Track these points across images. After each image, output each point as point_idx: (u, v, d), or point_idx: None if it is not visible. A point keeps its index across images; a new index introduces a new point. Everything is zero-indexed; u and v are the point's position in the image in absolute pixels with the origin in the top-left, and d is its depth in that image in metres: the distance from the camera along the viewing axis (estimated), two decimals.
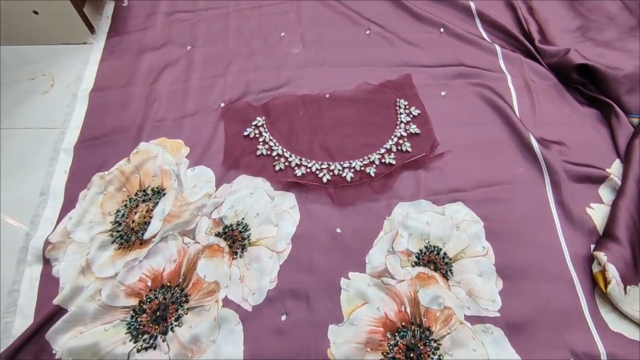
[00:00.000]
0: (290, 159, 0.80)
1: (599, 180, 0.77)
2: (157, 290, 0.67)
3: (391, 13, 1.04)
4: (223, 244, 0.71)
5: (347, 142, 0.82)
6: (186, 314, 0.65)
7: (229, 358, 0.61)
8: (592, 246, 0.70)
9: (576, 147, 0.81)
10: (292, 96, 0.88)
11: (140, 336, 0.63)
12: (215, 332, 0.63)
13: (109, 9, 1.04)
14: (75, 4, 0.92)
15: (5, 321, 0.65)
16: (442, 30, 0.99)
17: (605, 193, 0.76)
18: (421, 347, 0.62)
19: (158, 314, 0.65)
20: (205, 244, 0.71)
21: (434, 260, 0.70)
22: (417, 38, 0.98)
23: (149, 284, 0.68)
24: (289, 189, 0.77)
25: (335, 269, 0.69)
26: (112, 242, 0.71)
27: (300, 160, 0.80)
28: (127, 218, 0.74)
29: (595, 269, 0.67)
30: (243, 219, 0.74)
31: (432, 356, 0.61)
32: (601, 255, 0.65)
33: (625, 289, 0.63)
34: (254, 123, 0.85)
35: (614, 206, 0.72)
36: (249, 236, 0.72)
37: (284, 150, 0.81)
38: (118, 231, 0.73)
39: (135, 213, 0.75)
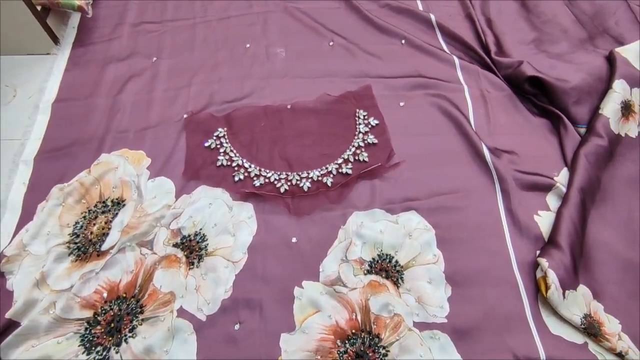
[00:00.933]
0: (249, 170, 0.81)
1: (547, 188, 0.80)
2: (113, 301, 0.68)
3: (355, 25, 1.06)
4: (180, 254, 0.72)
5: (306, 153, 0.84)
6: (141, 324, 0.66)
7: None
8: (538, 252, 0.73)
9: (527, 156, 0.85)
10: (255, 107, 0.90)
11: (93, 348, 0.63)
12: (169, 342, 0.64)
13: (75, 19, 1.05)
14: (37, 15, 0.92)
15: None
16: (403, 41, 1.02)
17: (552, 201, 0.79)
18: (370, 354, 0.64)
19: (112, 325, 0.66)
20: (162, 254, 0.72)
21: (386, 268, 0.72)
22: (378, 49, 1.01)
23: (105, 295, 0.68)
24: (247, 199, 0.78)
25: (289, 278, 0.70)
26: (69, 254, 0.72)
27: (260, 170, 0.81)
28: (85, 230, 0.75)
29: (539, 274, 0.70)
30: (201, 229, 0.75)
31: None
32: (543, 262, 0.68)
33: (564, 293, 0.66)
34: (215, 134, 0.86)
35: (558, 214, 0.75)
36: (206, 246, 0.73)
37: (244, 160, 0.83)
38: (75, 243, 0.73)
39: (94, 224, 0.75)
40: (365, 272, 0.71)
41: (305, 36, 1.04)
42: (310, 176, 0.80)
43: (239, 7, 1.09)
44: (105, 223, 0.75)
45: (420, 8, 1.09)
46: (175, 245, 0.73)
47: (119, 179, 0.80)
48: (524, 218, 0.77)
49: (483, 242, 0.75)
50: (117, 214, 0.76)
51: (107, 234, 0.73)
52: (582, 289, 0.69)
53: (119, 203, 0.78)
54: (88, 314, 0.66)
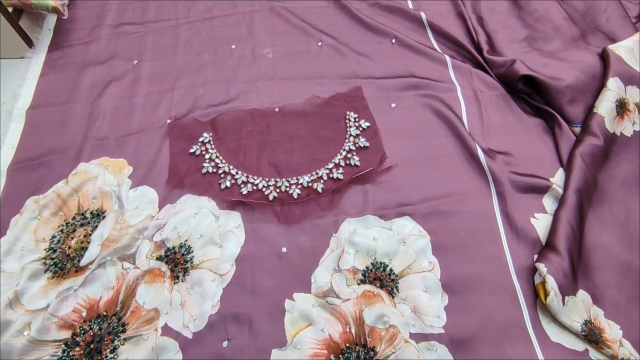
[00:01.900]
0: (236, 177, 0.78)
1: (543, 190, 0.78)
2: (93, 320, 0.64)
3: (344, 24, 1.03)
4: (164, 268, 0.69)
5: (295, 158, 0.80)
6: (123, 344, 0.62)
7: None
8: (536, 257, 0.71)
9: (522, 157, 0.83)
10: (241, 111, 0.87)
11: None
12: None
13: (51, 21, 1.00)
14: (8, 16, 0.87)
15: None
16: (393, 41, 0.99)
17: (548, 203, 0.77)
18: None
19: (92, 346, 0.62)
20: (145, 268, 0.68)
21: (380, 277, 0.69)
22: (368, 49, 0.98)
23: (84, 314, 0.64)
24: (234, 208, 0.75)
25: (280, 291, 0.67)
26: (45, 271, 0.68)
27: (247, 177, 0.78)
28: (62, 244, 0.71)
29: (537, 280, 0.68)
30: (186, 240, 0.71)
31: None
32: (541, 267, 0.66)
33: (563, 299, 0.64)
34: (200, 140, 0.82)
35: (555, 216, 0.73)
36: (191, 259, 0.70)
37: (231, 167, 0.79)
38: (52, 258, 0.69)
39: (72, 238, 0.71)
40: (359, 281, 0.68)
41: (293, 36, 1.01)
42: (299, 182, 0.77)
43: (223, 7, 1.05)
44: (84, 236, 0.71)
45: (411, 6, 1.07)
46: (159, 259, 0.69)
47: (99, 189, 0.76)
48: (520, 221, 0.75)
49: (479, 247, 0.73)
50: (96, 226, 0.72)
51: (86, 248, 0.69)
52: (582, 294, 0.67)
53: (98, 215, 0.74)
54: (66, 334, 0.62)
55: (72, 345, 0.62)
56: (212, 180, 0.78)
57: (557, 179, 0.79)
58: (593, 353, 0.63)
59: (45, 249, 0.70)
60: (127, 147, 0.82)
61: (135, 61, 0.94)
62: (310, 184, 0.77)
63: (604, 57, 0.91)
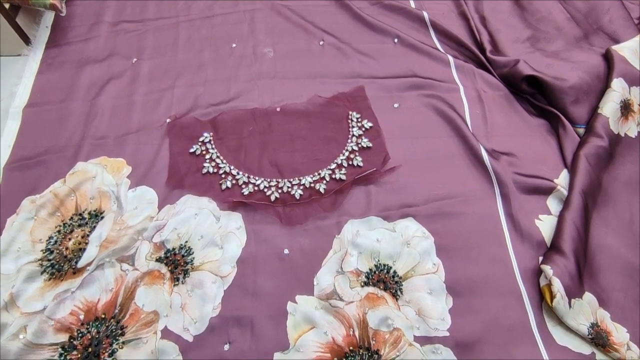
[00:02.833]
0: (237, 177, 0.77)
1: (547, 191, 0.78)
2: (90, 323, 0.63)
3: (346, 23, 1.02)
4: (164, 269, 0.67)
5: (297, 158, 0.79)
6: (121, 348, 0.61)
7: None
8: (541, 258, 0.70)
9: (526, 158, 0.82)
10: (242, 110, 0.85)
11: None
12: None
13: (48, 18, 0.98)
14: (5, 13, 0.86)
15: None
16: (396, 40, 0.99)
17: (553, 204, 0.76)
18: None
19: (90, 350, 0.60)
20: (144, 270, 0.67)
21: (384, 279, 0.68)
22: (371, 48, 0.97)
23: (82, 317, 0.63)
24: (235, 208, 0.73)
25: (282, 293, 0.66)
26: (42, 273, 0.66)
27: (248, 177, 0.77)
28: (60, 245, 0.69)
29: (543, 282, 0.67)
30: (186, 242, 0.70)
31: None
32: (547, 269, 0.65)
33: (570, 302, 0.63)
34: (200, 139, 0.81)
35: (560, 218, 0.72)
36: (192, 260, 0.69)
37: (232, 167, 0.78)
38: (49, 260, 0.68)
39: (70, 239, 0.70)
40: (362, 284, 0.67)
41: (295, 35, 1.00)
42: (302, 183, 0.76)
43: (224, 5, 1.04)
44: (82, 237, 0.70)
45: (413, 6, 1.06)
46: (159, 260, 0.68)
47: (97, 189, 0.74)
48: (525, 223, 0.74)
49: (484, 249, 0.72)
50: (94, 227, 0.70)
51: (84, 249, 0.68)
52: (588, 296, 0.66)
53: (96, 215, 0.72)
54: (63, 338, 0.61)
55: (70, 349, 0.60)
56: (213, 180, 0.77)
57: (562, 180, 0.78)
58: (600, 356, 0.63)
59: (42, 250, 0.68)
60: (126, 146, 0.80)
61: (135, 59, 0.93)
62: (312, 185, 0.76)
63: (607, 57, 0.90)
